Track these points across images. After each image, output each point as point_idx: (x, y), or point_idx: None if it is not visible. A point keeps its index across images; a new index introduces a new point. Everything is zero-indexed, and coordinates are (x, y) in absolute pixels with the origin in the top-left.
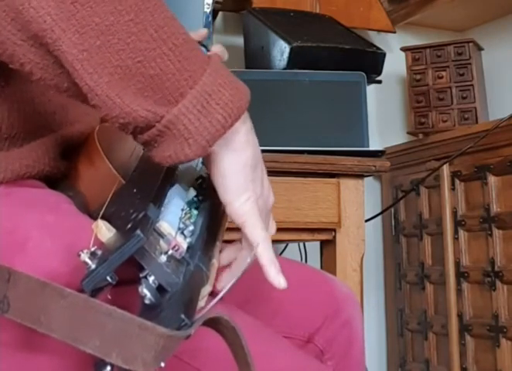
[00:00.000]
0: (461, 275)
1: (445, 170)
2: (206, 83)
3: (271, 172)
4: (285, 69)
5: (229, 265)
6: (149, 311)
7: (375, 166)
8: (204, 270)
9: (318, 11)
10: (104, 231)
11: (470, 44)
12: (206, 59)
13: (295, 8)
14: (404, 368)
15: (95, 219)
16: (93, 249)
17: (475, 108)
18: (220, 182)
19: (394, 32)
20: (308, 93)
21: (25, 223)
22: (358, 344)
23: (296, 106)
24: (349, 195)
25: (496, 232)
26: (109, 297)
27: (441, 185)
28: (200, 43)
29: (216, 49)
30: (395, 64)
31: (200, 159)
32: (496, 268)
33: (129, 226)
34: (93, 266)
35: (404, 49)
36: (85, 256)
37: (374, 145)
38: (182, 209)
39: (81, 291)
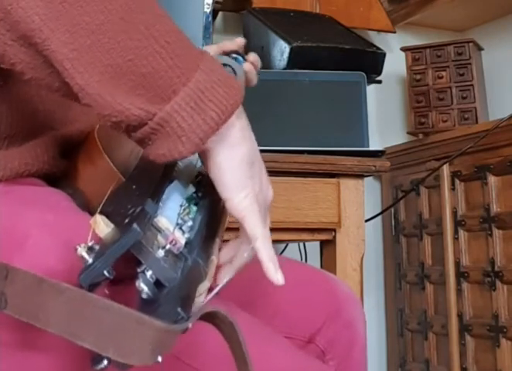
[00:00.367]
0: (461, 275)
1: (445, 170)
2: (199, 79)
3: (271, 172)
4: (285, 69)
5: (229, 262)
6: (147, 306)
7: (375, 166)
8: (202, 265)
9: (318, 11)
10: (102, 226)
11: (470, 44)
12: (199, 55)
13: (295, 8)
14: (404, 368)
15: None
16: (90, 244)
17: (475, 108)
18: (217, 178)
19: (394, 32)
20: (308, 93)
21: (24, 222)
22: (360, 345)
23: (296, 106)
24: (349, 195)
25: (496, 232)
26: (106, 292)
27: (441, 185)
28: (237, 52)
29: (252, 57)
30: (395, 64)
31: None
32: (496, 268)
33: (126, 220)
34: (90, 260)
35: (404, 49)
36: (82, 251)
37: (374, 145)
38: (181, 205)
39: (79, 286)
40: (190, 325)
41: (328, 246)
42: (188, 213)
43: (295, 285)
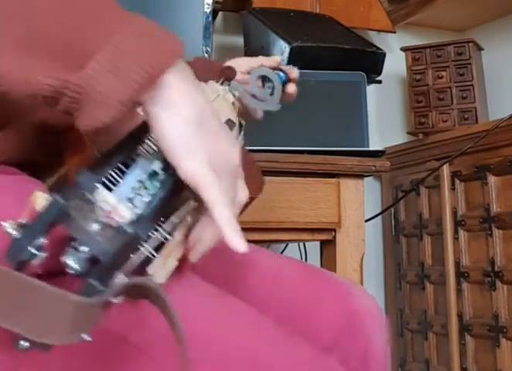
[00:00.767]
0: (461, 275)
1: (445, 170)
2: (121, 40)
3: (271, 172)
4: None
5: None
6: (77, 282)
7: (375, 166)
8: (144, 239)
9: (318, 11)
10: (41, 201)
11: (470, 44)
12: (124, 17)
13: (295, 8)
14: (404, 368)
15: None
16: (23, 220)
17: (475, 108)
18: (163, 145)
19: (394, 32)
20: (308, 93)
21: None
22: (376, 357)
23: (296, 106)
24: (349, 195)
25: (496, 232)
26: (40, 272)
27: (441, 185)
28: (276, 68)
29: (295, 74)
30: (395, 64)
31: None
32: (496, 268)
33: (57, 193)
34: (18, 236)
35: (404, 49)
36: (9, 227)
37: (374, 145)
38: (140, 181)
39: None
40: (115, 300)
41: (328, 246)
42: (146, 189)
43: (299, 293)
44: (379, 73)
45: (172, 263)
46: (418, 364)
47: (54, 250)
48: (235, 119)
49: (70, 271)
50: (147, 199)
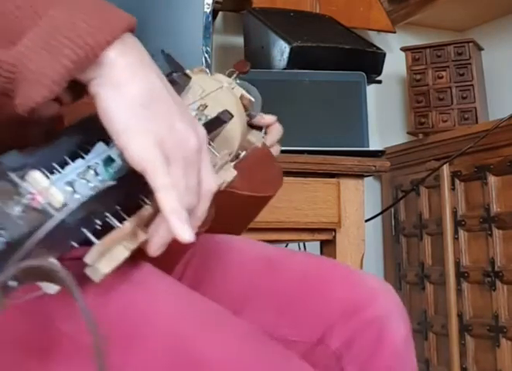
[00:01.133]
0: (461, 275)
1: (445, 170)
2: (56, 16)
3: None
4: (285, 69)
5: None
6: None
7: (375, 166)
8: (72, 224)
9: (318, 11)
10: None
11: (470, 44)
12: None
13: (295, 8)
14: None
15: None
16: None
17: (475, 108)
18: (108, 127)
19: (394, 32)
20: (308, 93)
21: None
22: (389, 345)
23: (296, 106)
24: (349, 195)
25: (496, 232)
26: None
27: (441, 185)
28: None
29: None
30: (395, 64)
31: None
32: (496, 268)
33: None
34: None
35: (404, 49)
36: None
37: (374, 145)
38: (89, 166)
39: None
40: (13, 284)
41: (328, 246)
42: (98, 174)
43: (304, 279)
44: (379, 73)
45: (122, 253)
46: (418, 364)
47: None
48: (238, 112)
49: None
50: (93, 184)
